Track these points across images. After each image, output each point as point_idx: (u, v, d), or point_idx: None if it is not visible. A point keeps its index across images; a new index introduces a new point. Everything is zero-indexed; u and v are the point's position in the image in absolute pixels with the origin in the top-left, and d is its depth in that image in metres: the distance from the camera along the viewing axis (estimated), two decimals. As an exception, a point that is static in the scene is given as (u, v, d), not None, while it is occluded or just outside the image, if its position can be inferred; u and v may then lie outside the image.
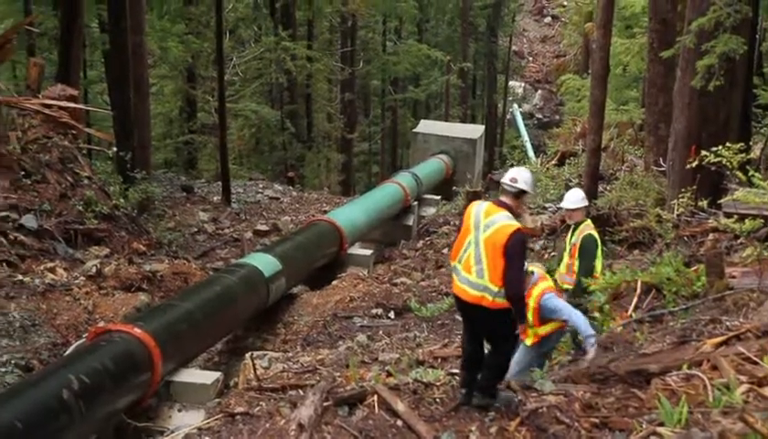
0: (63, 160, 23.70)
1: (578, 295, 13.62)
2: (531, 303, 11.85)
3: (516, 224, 9.86)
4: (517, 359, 11.98)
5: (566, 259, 14.18)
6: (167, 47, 40.69)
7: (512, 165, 40.36)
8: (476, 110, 73.70)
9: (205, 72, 48.34)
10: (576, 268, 13.77)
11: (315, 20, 54.64)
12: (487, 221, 10.00)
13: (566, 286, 14.06)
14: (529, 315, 11.74)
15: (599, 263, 13.85)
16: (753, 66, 25.38)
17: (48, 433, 11.48)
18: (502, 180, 10.40)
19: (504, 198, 10.24)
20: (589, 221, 14.18)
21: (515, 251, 9.75)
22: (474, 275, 10.09)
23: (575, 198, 14.04)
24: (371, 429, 10.22)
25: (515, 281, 9.81)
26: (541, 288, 12.10)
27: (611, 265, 16.76)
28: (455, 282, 10.44)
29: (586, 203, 14.49)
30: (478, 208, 10.25)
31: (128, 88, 31.53)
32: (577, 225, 14.02)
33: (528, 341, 12.21)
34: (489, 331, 10.53)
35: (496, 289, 9.87)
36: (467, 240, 10.26)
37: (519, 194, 10.20)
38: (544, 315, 12.03)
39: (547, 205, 26.29)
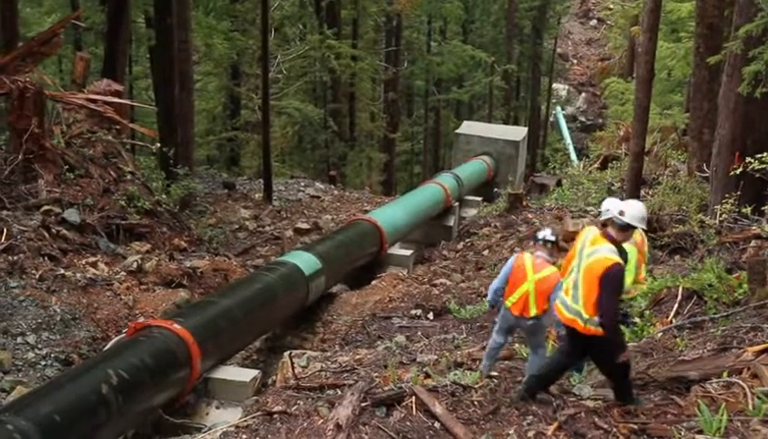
0: (107, 155, 23.86)
1: None
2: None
3: (616, 258, 10.11)
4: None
5: None
6: (213, 44, 40.81)
7: (554, 168, 40.28)
8: (519, 112, 73.38)
9: (249, 70, 48.53)
10: None
11: (360, 19, 54.72)
12: (590, 250, 10.35)
13: None
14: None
15: (629, 277, 13.54)
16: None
17: (87, 427, 11.55)
18: (607, 209, 10.83)
19: (610, 230, 10.53)
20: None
21: (610, 284, 10.00)
22: (570, 299, 10.47)
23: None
24: (408, 430, 10.23)
25: (607, 312, 10.08)
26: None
27: (652, 270, 16.67)
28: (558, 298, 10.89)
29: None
30: (587, 236, 10.65)
31: (173, 84, 31.69)
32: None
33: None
34: (590, 353, 11.01)
35: (587, 316, 10.19)
36: (572, 264, 10.73)
37: (626, 228, 10.46)
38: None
39: (588, 208, 26.16)
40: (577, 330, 10.39)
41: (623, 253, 10.92)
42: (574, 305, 10.37)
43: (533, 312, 11.99)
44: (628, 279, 13.07)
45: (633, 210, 10.47)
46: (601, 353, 10.67)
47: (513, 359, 13.47)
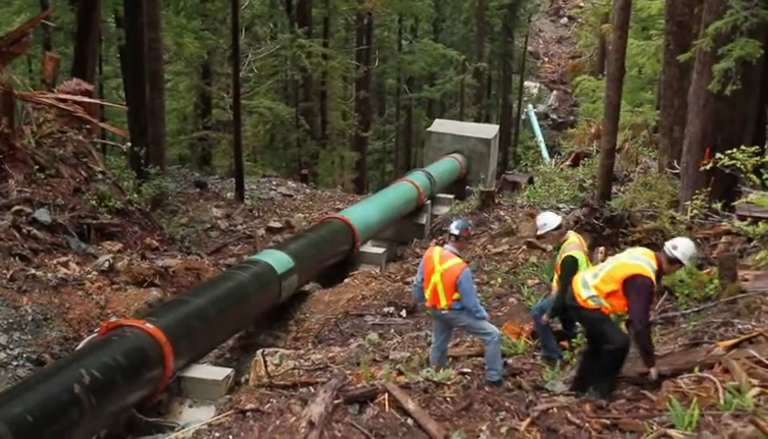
0: (77, 155, 23.71)
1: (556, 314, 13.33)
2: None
3: (651, 273, 10.88)
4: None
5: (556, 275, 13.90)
6: (183, 43, 40.58)
7: (526, 166, 40.33)
8: (491, 110, 73.48)
9: (220, 69, 48.38)
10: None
11: (331, 18, 54.65)
12: (636, 254, 11.34)
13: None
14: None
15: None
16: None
17: (59, 427, 11.53)
18: (667, 245, 11.41)
19: (662, 256, 11.20)
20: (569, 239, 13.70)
21: (638, 290, 10.78)
22: (591, 274, 11.39)
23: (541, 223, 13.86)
24: (381, 427, 10.24)
25: (637, 314, 10.91)
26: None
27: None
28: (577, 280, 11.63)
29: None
30: (642, 250, 11.65)
31: (143, 83, 31.61)
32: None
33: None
34: (588, 332, 11.92)
35: (594, 293, 11.11)
36: (615, 258, 11.77)
37: (674, 261, 11.21)
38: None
39: (560, 206, 26.20)
40: (578, 304, 11.24)
41: (659, 280, 11.35)
42: (590, 279, 11.22)
43: (443, 303, 12.36)
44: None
45: (684, 248, 11.16)
46: (594, 330, 11.38)
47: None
